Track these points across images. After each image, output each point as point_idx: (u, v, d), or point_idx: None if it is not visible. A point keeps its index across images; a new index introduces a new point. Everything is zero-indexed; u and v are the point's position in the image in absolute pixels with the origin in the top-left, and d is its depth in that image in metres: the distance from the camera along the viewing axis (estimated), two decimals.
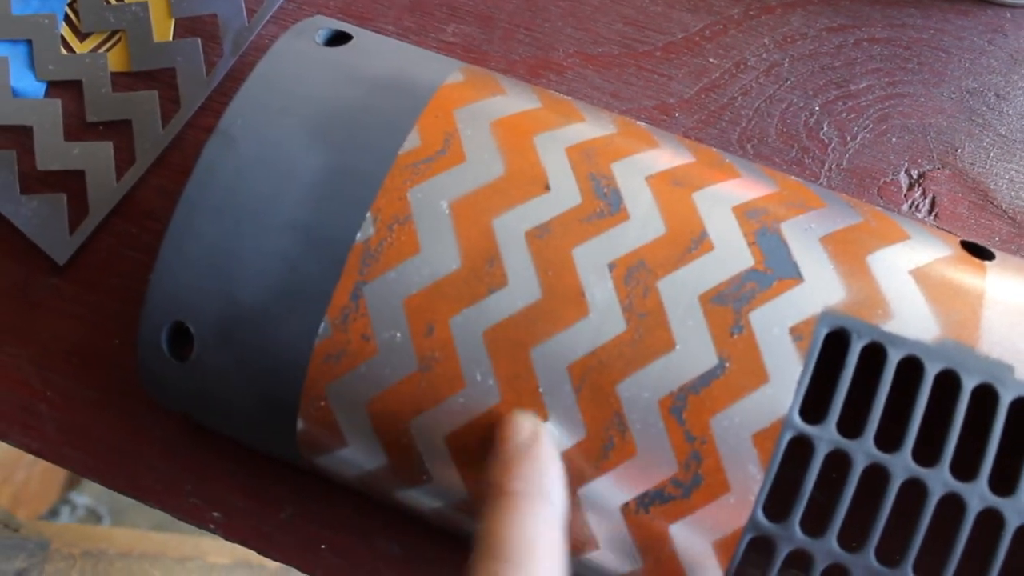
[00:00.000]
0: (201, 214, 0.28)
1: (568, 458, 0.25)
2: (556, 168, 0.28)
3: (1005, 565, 0.24)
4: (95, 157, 0.36)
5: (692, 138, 0.34)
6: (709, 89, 0.35)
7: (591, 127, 0.29)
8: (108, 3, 0.38)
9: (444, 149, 0.28)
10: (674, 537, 0.25)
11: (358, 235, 0.27)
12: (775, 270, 0.26)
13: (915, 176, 0.34)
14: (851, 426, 0.25)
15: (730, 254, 0.26)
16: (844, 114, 0.35)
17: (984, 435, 0.25)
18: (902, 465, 0.25)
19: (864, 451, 0.25)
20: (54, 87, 0.37)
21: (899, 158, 0.34)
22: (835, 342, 0.26)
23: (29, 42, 0.38)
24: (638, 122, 0.30)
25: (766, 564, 0.25)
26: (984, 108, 0.35)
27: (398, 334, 0.27)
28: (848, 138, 0.34)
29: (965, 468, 0.25)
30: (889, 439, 0.25)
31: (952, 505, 0.25)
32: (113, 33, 0.38)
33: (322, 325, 0.27)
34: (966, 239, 0.29)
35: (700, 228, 0.27)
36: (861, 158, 0.34)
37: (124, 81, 0.37)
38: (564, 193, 0.27)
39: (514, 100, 0.30)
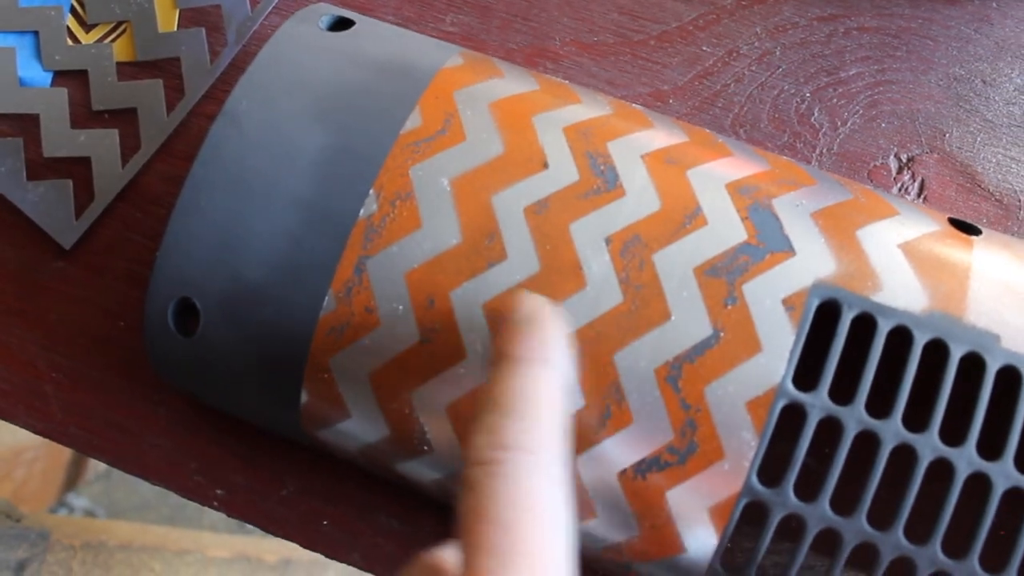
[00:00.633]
0: (207, 192, 0.29)
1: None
2: (554, 146, 0.28)
3: (994, 526, 0.25)
4: (101, 144, 0.37)
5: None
6: (703, 76, 0.36)
7: (588, 108, 0.30)
8: None
9: (444, 129, 0.29)
10: (670, 503, 0.26)
11: (361, 211, 0.28)
12: (767, 244, 0.27)
13: (904, 160, 0.35)
14: (843, 394, 0.26)
15: (723, 228, 0.27)
16: (835, 100, 0.35)
17: (973, 402, 0.26)
18: (892, 431, 0.25)
19: (856, 418, 0.25)
20: (61, 76, 0.38)
21: (888, 142, 0.35)
22: (826, 313, 0.26)
23: (36, 33, 0.39)
24: (633, 104, 0.31)
25: (760, 529, 0.26)
26: (971, 94, 0.35)
27: (400, 307, 0.27)
28: (839, 123, 0.35)
29: (955, 435, 0.25)
30: (881, 407, 0.25)
31: (941, 469, 0.25)
32: (119, 24, 0.39)
33: (326, 299, 0.28)
34: (954, 216, 0.29)
35: (694, 204, 0.28)
36: (851, 143, 0.35)
37: (129, 70, 0.38)
38: (562, 170, 0.28)
39: (512, 82, 0.30)
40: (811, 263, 0.27)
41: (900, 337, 0.26)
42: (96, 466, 0.81)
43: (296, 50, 0.31)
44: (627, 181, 0.28)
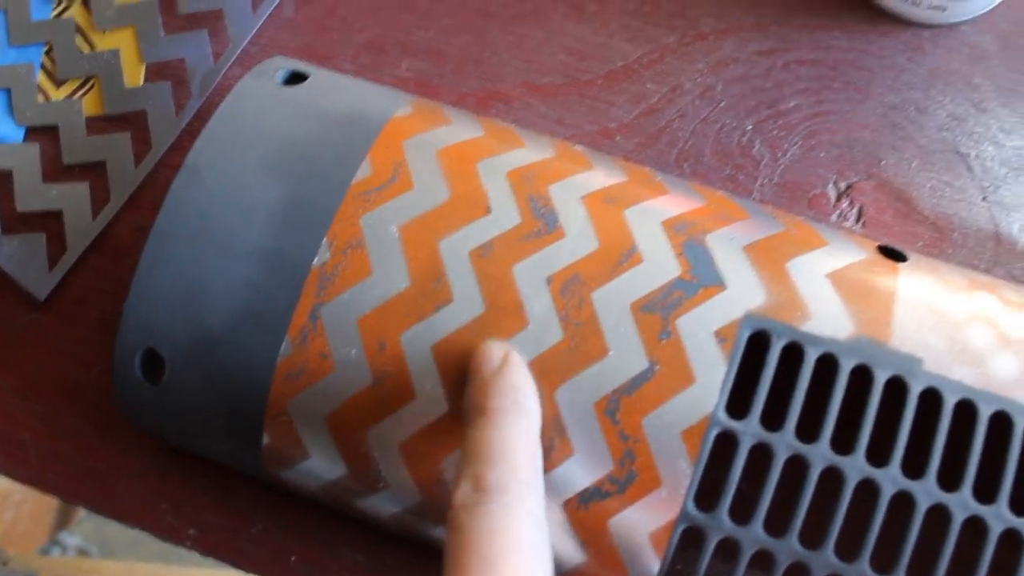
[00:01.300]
0: (170, 244, 0.30)
1: None
2: (497, 191, 0.30)
3: (918, 544, 0.26)
4: (72, 197, 0.38)
5: (632, 160, 0.36)
6: (648, 113, 0.37)
7: (531, 152, 0.31)
8: (82, 51, 0.40)
9: (394, 177, 0.30)
10: (613, 530, 0.27)
11: (315, 260, 0.29)
12: (700, 278, 0.28)
13: (843, 188, 0.36)
14: (777, 421, 0.27)
15: (658, 265, 0.29)
16: (775, 132, 0.37)
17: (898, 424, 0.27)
18: (820, 455, 0.26)
19: (785, 443, 0.27)
20: (32, 132, 0.40)
21: (827, 171, 0.36)
22: (758, 343, 0.28)
23: (8, 90, 0.40)
24: (576, 145, 0.32)
25: (699, 552, 0.27)
26: (905, 122, 0.37)
27: (353, 351, 0.29)
28: (779, 154, 0.37)
29: (882, 456, 0.27)
30: (813, 432, 0.27)
31: (868, 490, 0.26)
32: (87, 79, 0.40)
33: (283, 345, 0.29)
34: (883, 244, 0.31)
35: (631, 242, 0.29)
36: (792, 173, 0.36)
37: (98, 124, 0.39)
38: (505, 214, 0.29)
39: (459, 129, 0.32)
40: (742, 296, 0.28)
41: (828, 364, 0.27)
42: None
43: (253, 104, 0.33)
44: (567, 223, 0.29)
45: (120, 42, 0.40)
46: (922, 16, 0.38)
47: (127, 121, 0.39)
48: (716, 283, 0.28)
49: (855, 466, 0.26)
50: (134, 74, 0.40)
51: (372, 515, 0.31)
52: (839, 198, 0.36)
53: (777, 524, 0.27)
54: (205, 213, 0.31)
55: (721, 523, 0.27)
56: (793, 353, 0.28)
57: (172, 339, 0.30)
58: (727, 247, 0.29)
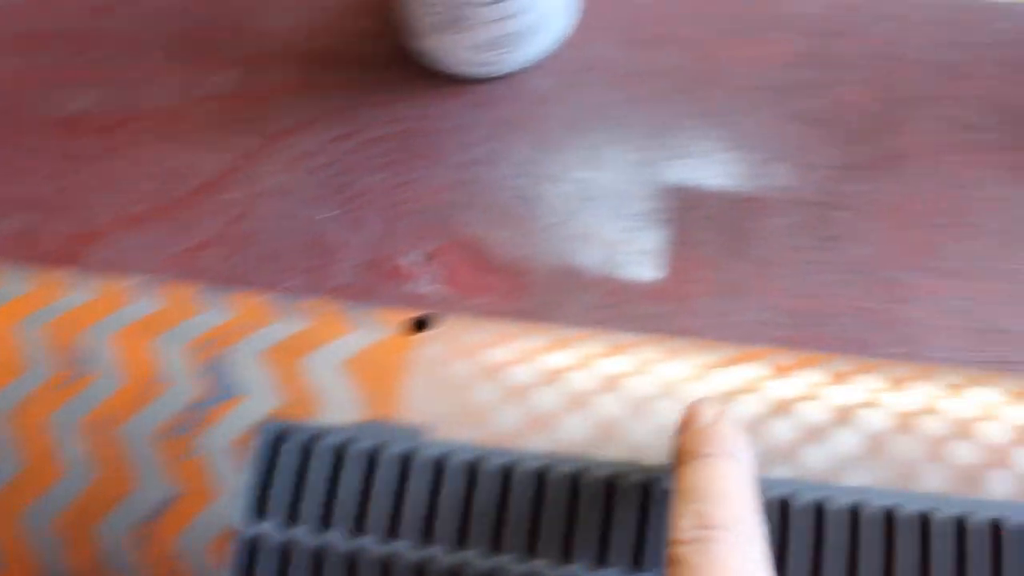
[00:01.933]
0: None
1: None
2: (28, 348, 0.31)
3: None
4: None
5: (223, 272, 0.38)
6: (233, 222, 0.39)
7: (72, 299, 0.32)
8: None
9: None
10: None
11: None
12: (218, 394, 0.30)
13: (425, 256, 0.38)
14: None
15: (180, 390, 0.30)
16: (355, 214, 0.38)
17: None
18: (335, 547, 0.28)
19: (304, 540, 0.28)
20: None
21: (409, 242, 0.38)
22: (278, 444, 0.29)
23: None
24: (122, 281, 0.34)
25: None
26: (476, 178, 0.39)
27: None
28: (361, 235, 0.38)
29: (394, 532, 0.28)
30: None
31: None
32: None
33: None
34: (416, 315, 0.32)
35: (154, 372, 0.30)
36: (377, 250, 0.38)
37: None
38: (38, 370, 0.31)
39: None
40: (259, 402, 0.29)
41: (342, 450, 0.29)
42: None
43: None
44: (96, 364, 0.30)
45: None
46: (478, 72, 0.40)
47: None
48: (234, 395, 0.30)
49: (368, 552, 0.28)
50: None
51: None
52: (424, 265, 0.37)
53: None
54: None
55: None
56: (311, 446, 0.29)
57: None
58: (246, 357, 0.30)
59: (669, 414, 0.29)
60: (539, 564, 0.28)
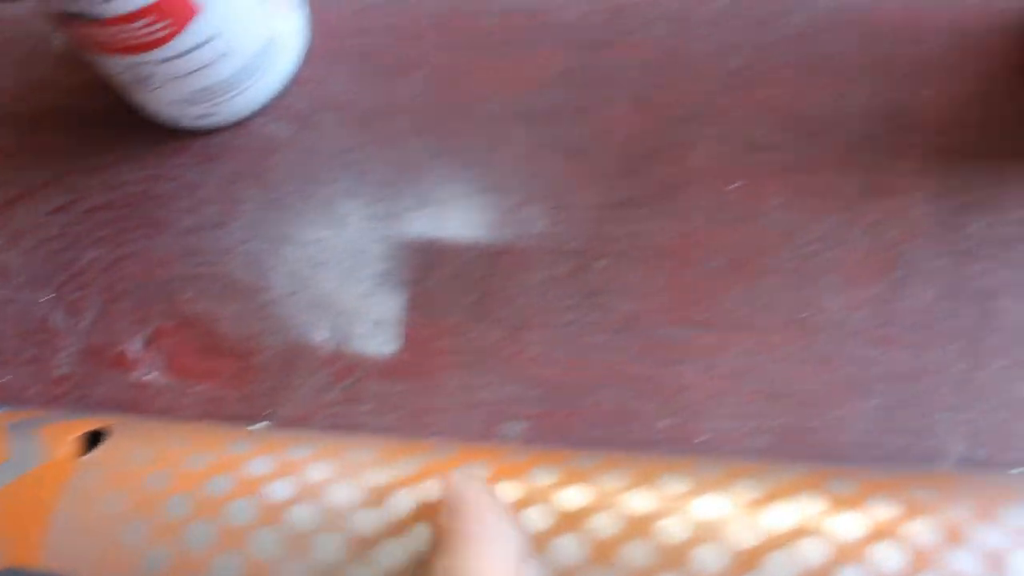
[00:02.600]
0: None
1: None
2: None
3: None
4: None
5: None
6: None
7: None
8: None
9: None
10: None
11: None
12: None
13: (147, 336, 0.34)
14: None
15: None
16: (74, 294, 0.35)
17: None
18: None
19: None
20: None
21: (129, 323, 0.34)
22: None
23: None
24: None
25: None
26: (204, 246, 0.35)
27: None
28: (80, 319, 0.34)
29: None
30: None
31: None
32: None
33: None
34: (90, 429, 0.29)
35: None
36: (95, 335, 0.34)
37: None
38: None
39: None
40: None
41: None
42: None
43: None
44: None
45: None
46: (199, 124, 0.36)
47: None
48: None
49: None
50: None
51: None
52: (145, 348, 0.34)
53: None
54: None
55: None
56: None
57: None
58: None
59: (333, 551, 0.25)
60: None
